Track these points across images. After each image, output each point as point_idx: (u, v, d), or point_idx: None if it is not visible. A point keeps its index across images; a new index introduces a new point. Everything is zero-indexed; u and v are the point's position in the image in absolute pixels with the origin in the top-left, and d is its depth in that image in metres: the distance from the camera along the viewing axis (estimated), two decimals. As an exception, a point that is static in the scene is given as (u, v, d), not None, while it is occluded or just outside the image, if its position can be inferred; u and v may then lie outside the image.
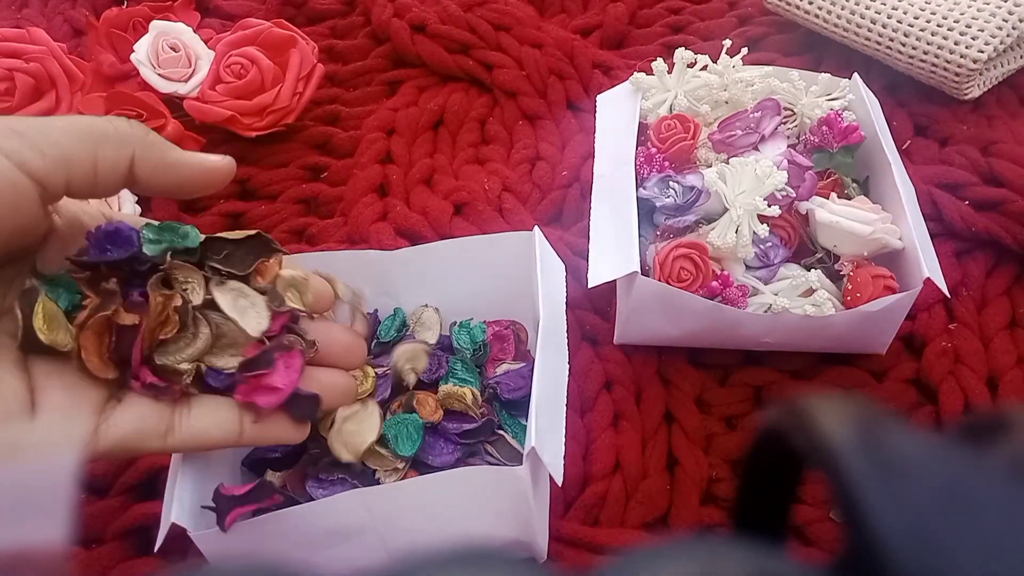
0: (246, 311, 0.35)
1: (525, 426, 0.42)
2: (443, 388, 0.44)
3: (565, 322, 0.45)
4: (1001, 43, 0.59)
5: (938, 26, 0.60)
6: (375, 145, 0.65)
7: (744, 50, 0.57)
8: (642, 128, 0.55)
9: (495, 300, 0.48)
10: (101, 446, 0.32)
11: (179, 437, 0.34)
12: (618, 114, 0.56)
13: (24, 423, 0.30)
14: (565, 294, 0.46)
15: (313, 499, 0.39)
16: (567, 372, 0.43)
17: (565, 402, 0.41)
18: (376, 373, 0.44)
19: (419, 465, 0.42)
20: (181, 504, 0.36)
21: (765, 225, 0.47)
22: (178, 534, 0.43)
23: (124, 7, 0.69)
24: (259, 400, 0.34)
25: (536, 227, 0.47)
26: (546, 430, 0.37)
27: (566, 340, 0.45)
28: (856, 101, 0.55)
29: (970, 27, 0.59)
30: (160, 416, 0.34)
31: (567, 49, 0.69)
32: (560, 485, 0.37)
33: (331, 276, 0.39)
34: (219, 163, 0.35)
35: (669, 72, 0.56)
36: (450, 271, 0.48)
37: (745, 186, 0.48)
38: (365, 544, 0.38)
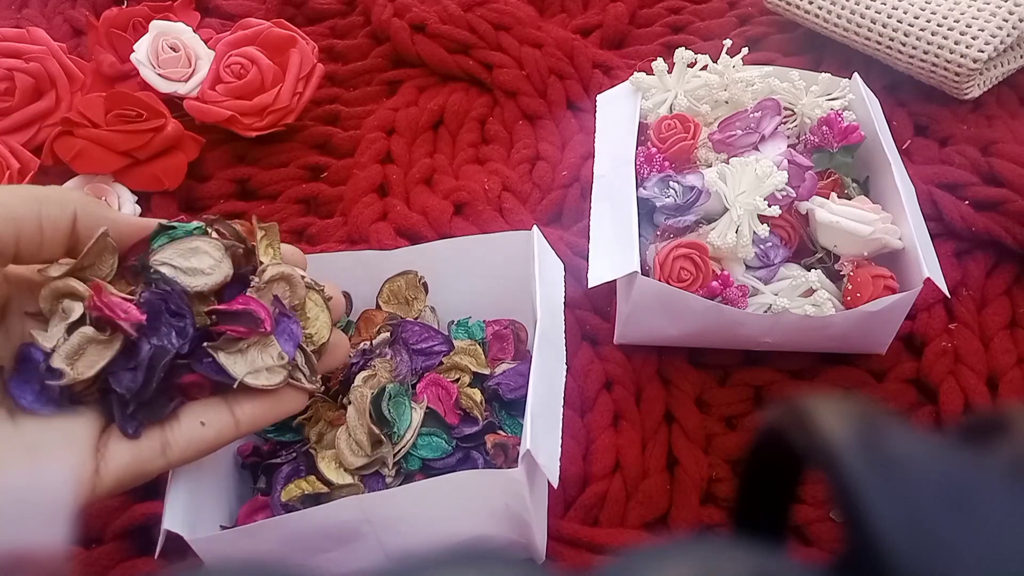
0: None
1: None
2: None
3: (563, 323, 0.45)
4: (1001, 43, 0.59)
5: (938, 26, 0.60)
6: (375, 145, 0.65)
7: (744, 50, 0.57)
8: (642, 128, 0.55)
9: (494, 300, 0.48)
10: (106, 484, 0.32)
11: (177, 449, 0.34)
12: (618, 114, 0.56)
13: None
14: (563, 294, 0.46)
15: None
16: (564, 374, 0.43)
17: (562, 404, 0.41)
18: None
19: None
20: (174, 512, 0.36)
21: (765, 225, 0.47)
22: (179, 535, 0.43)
23: (124, 7, 0.69)
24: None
25: (535, 227, 0.47)
26: (542, 432, 0.37)
27: (563, 341, 0.44)
28: (856, 101, 0.55)
29: (970, 27, 0.59)
30: (151, 437, 0.34)
31: (567, 49, 0.69)
32: (555, 487, 0.37)
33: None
34: (146, 223, 0.36)
35: (669, 72, 0.56)
36: (448, 271, 0.48)
37: (745, 186, 0.48)
38: (363, 547, 0.38)
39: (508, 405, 0.45)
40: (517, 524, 0.40)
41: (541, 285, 0.43)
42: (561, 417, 0.40)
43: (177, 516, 0.36)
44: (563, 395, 0.41)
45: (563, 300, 0.45)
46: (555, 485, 0.37)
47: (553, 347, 0.42)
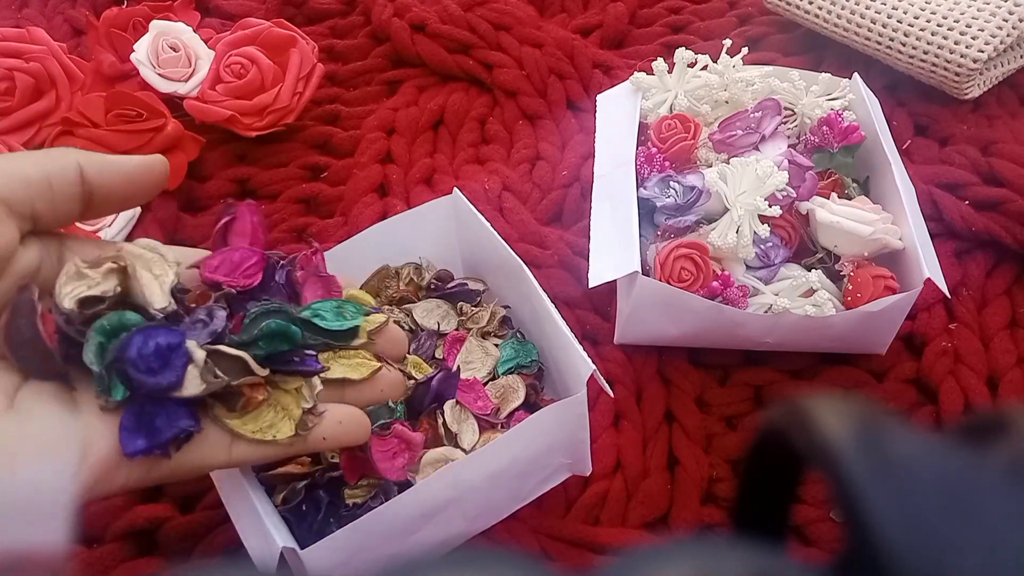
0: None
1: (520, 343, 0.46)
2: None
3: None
4: (1001, 43, 0.59)
5: (938, 26, 0.60)
6: (375, 145, 0.64)
7: (744, 50, 0.57)
8: (642, 128, 0.55)
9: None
10: (171, 466, 0.31)
11: (241, 449, 0.33)
12: (618, 114, 0.56)
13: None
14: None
15: None
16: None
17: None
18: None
19: None
20: (278, 531, 0.36)
21: (766, 225, 0.47)
22: (179, 534, 0.43)
23: (124, 7, 0.69)
24: None
25: (455, 188, 0.49)
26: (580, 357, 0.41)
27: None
28: (856, 101, 0.55)
29: (970, 27, 0.59)
30: (222, 431, 0.33)
31: (567, 49, 0.69)
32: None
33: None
34: (153, 158, 0.35)
35: (669, 72, 0.56)
36: (382, 253, 0.49)
37: (746, 186, 0.48)
38: (447, 519, 0.40)
39: None
40: (573, 446, 0.43)
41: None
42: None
43: (281, 534, 0.36)
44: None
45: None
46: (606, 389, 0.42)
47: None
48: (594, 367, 0.40)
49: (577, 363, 0.41)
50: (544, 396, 0.46)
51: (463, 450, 0.41)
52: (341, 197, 0.61)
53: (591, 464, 0.45)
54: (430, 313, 0.48)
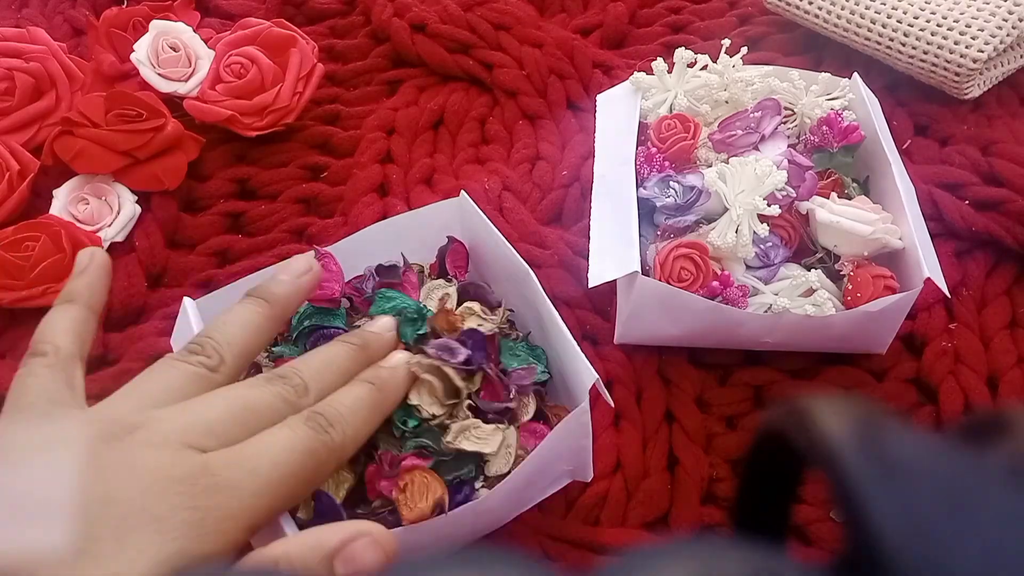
0: None
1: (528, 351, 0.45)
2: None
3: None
4: (1001, 43, 0.59)
5: (938, 26, 0.60)
6: (375, 145, 0.65)
7: (744, 50, 0.57)
8: (642, 128, 0.55)
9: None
10: None
11: None
12: (618, 114, 0.56)
13: None
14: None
15: None
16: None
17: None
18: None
19: None
20: (288, 523, 0.36)
21: (765, 225, 0.47)
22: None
23: (124, 7, 0.69)
24: None
25: (463, 192, 0.48)
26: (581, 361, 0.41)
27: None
28: (856, 101, 0.55)
29: (970, 27, 0.59)
30: None
31: (567, 49, 0.69)
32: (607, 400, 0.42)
33: None
34: None
35: (669, 72, 0.56)
36: (386, 253, 0.49)
37: (745, 186, 0.48)
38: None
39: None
40: (576, 454, 0.43)
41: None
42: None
43: (291, 529, 0.36)
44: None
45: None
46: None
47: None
48: (597, 376, 0.39)
49: (581, 371, 0.40)
50: (548, 403, 0.45)
51: (490, 477, 0.40)
52: (341, 197, 0.61)
53: (592, 470, 0.44)
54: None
